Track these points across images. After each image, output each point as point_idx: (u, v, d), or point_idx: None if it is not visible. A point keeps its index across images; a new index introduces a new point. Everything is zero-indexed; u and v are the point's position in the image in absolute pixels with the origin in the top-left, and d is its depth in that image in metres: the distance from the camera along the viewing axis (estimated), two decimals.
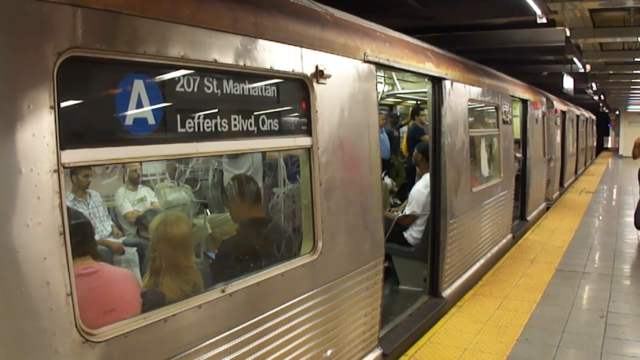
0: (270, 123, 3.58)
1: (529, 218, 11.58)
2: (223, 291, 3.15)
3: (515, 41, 11.03)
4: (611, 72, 18.64)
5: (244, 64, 3.27)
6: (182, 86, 3.01)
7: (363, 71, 4.54)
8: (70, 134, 2.37)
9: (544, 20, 8.26)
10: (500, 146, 9.02)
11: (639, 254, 9.19)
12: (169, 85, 2.97)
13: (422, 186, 6.96)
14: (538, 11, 7.95)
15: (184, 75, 3.01)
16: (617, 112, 43.26)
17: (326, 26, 4.18)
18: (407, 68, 5.45)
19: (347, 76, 4.34)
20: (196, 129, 3.04)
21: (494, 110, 8.91)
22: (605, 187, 19.08)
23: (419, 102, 11.78)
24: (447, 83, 6.36)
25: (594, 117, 31.03)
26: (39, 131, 2.21)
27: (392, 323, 5.62)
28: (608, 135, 47.90)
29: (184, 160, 6.29)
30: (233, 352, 3.16)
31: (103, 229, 6.50)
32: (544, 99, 13.06)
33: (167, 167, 7.07)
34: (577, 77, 15.65)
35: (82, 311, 2.36)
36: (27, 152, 2.17)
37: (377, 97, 4.85)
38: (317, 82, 3.89)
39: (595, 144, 34.78)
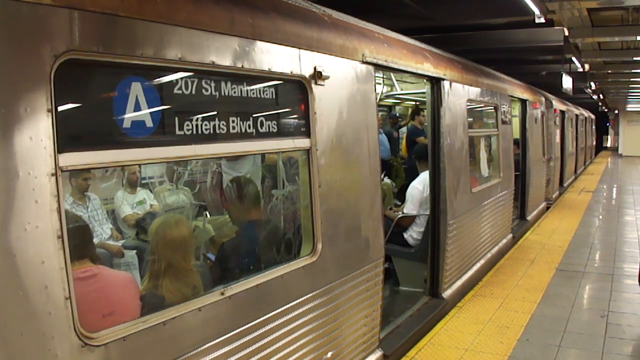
0: (268, 125, 3.57)
1: (528, 218, 11.58)
2: (222, 294, 3.14)
3: (513, 41, 11.04)
4: (610, 71, 18.66)
5: (242, 66, 3.27)
6: (180, 88, 3.00)
7: (361, 72, 4.53)
8: (68, 137, 2.36)
9: (542, 20, 8.28)
10: (500, 146, 9.02)
11: None
12: (167, 87, 2.96)
13: (417, 182, 6.97)
14: (536, 11, 7.96)
15: (181, 78, 3.00)
16: (616, 112, 43.28)
17: (324, 27, 4.18)
18: (405, 69, 5.45)
19: (346, 77, 4.33)
20: (194, 132, 3.04)
21: (493, 110, 8.90)
22: (605, 187, 19.08)
23: (417, 103, 11.78)
24: (446, 83, 6.36)
25: (593, 116, 31.06)
26: (36, 134, 2.20)
27: (393, 324, 5.61)
28: (607, 135, 47.92)
29: (182, 163, 6.28)
30: (233, 355, 3.15)
31: (102, 232, 6.49)
32: (543, 99, 13.06)
33: (166, 169, 7.05)
34: (576, 76, 15.65)
35: (80, 315, 2.35)
36: (24, 155, 2.16)
37: (376, 98, 4.84)
38: (316, 83, 3.89)
39: (594, 143, 34.80)
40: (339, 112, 4.22)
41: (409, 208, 6.97)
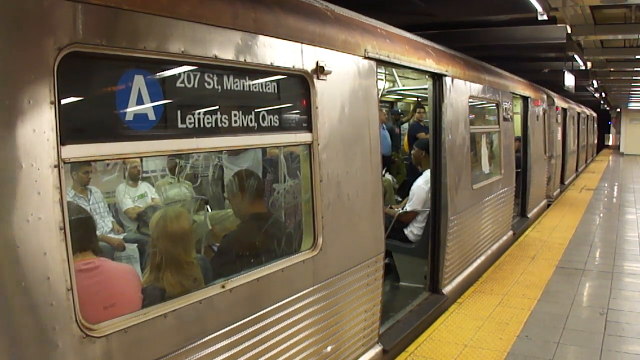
0: (270, 119, 3.58)
1: (529, 215, 11.58)
2: (223, 287, 3.15)
3: (516, 38, 11.03)
4: (612, 69, 18.63)
5: (245, 60, 3.27)
6: (183, 82, 3.01)
7: (364, 67, 4.53)
8: (71, 129, 2.37)
9: (545, 18, 8.26)
10: (501, 143, 9.02)
11: None
12: (170, 81, 2.97)
13: (422, 182, 6.97)
14: (539, 8, 7.94)
15: (184, 71, 3.01)
16: (618, 110, 43.22)
17: (327, 22, 4.18)
18: (407, 64, 5.45)
19: (348, 72, 4.34)
20: (196, 125, 3.05)
21: (494, 107, 8.90)
22: (606, 185, 19.06)
23: (419, 99, 11.79)
24: (448, 80, 6.36)
25: (595, 114, 31.01)
26: (39, 126, 2.21)
27: (393, 319, 5.63)
28: (609, 133, 47.88)
29: (184, 156, 6.30)
30: (233, 348, 3.16)
31: (104, 225, 6.51)
32: (545, 96, 13.05)
33: (168, 163, 7.07)
34: (578, 74, 15.64)
35: (82, 306, 2.37)
36: (27, 147, 2.17)
37: (378, 94, 4.85)
38: (318, 78, 3.89)
39: (596, 141, 34.77)
40: (341, 107, 4.22)
41: (413, 205, 6.98)
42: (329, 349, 4.09)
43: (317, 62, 3.88)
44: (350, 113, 4.33)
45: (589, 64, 15.84)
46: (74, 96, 2.47)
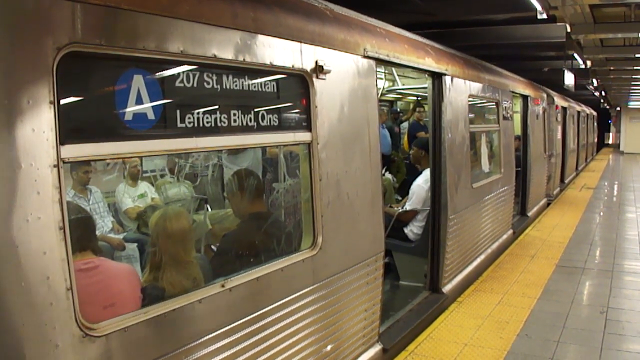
0: (270, 118, 3.58)
1: (529, 214, 11.58)
2: (223, 286, 3.16)
3: (515, 37, 11.02)
4: (612, 68, 18.62)
5: (244, 60, 3.28)
6: (182, 81, 3.01)
7: (363, 67, 4.53)
8: (70, 129, 2.37)
9: (545, 16, 8.26)
10: (501, 142, 9.02)
11: None
12: (169, 80, 2.97)
13: (422, 181, 6.97)
14: (538, 7, 7.94)
15: (183, 71, 3.01)
16: (618, 109, 43.20)
17: (326, 21, 4.18)
18: (407, 64, 5.45)
19: (347, 72, 4.34)
20: (196, 124, 3.05)
21: (494, 106, 8.90)
22: (606, 183, 19.08)
23: (419, 98, 11.78)
24: (447, 79, 6.36)
25: (594, 113, 31.00)
26: (38, 126, 2.21)
27: (393, 318, 5.63)
28: (609, 132, 47.87)
29: (184, 156, 6.30)
30: (233, 347, 3.16)
31: (104, 224, 6.51)
32: (545, 95, 13.05)
33: (167, 162, 7.07)
34: (578, 73, 15.61)
35: (82, 306, 2.37)
36: (26, 147, 2.17)
37: (377, 93, 4.85)
38: (317, 77, 3.89)
39: (596, 140, 34.76)
40: (340, 106, 4.22)
41: (413, 204, 6.98)
42: (328, 348, 4.10)
43: (317, 62, 3.89)
44: (349, 112, 4.33)
45: (588, 63, 15.84)
46: (73, 96, 2.47)
